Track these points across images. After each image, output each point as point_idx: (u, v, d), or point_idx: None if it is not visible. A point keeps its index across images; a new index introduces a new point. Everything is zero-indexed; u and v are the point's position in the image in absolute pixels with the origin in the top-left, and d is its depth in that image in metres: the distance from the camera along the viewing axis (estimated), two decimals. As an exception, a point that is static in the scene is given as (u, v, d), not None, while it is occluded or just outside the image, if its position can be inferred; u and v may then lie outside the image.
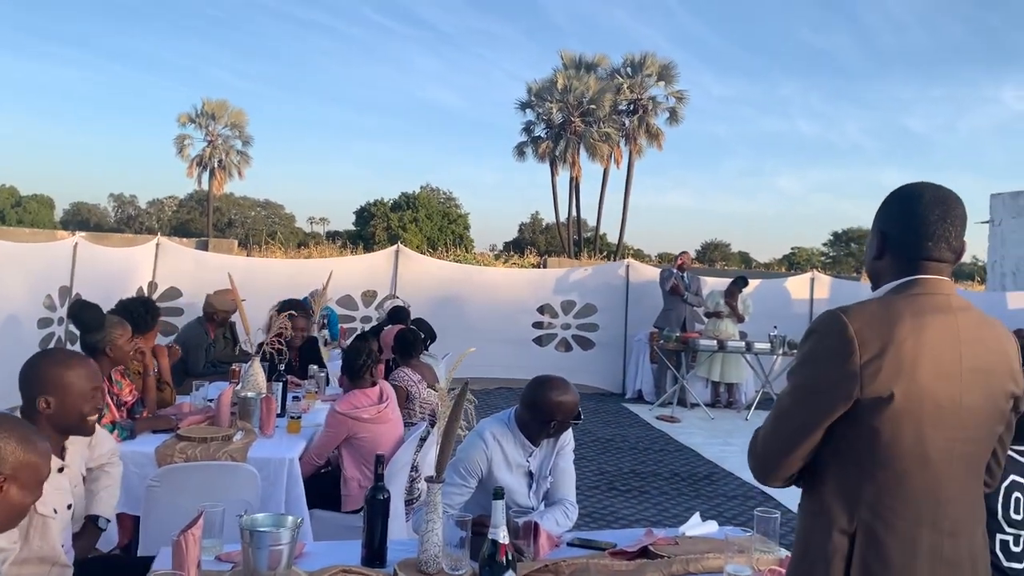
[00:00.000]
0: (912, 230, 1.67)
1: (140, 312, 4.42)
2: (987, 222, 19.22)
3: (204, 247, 15.74)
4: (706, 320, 10.21)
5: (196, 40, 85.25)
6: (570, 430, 3.03)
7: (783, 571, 2.35)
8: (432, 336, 6.53)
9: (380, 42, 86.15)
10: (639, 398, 10.33)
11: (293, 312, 5.43)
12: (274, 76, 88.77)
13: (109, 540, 3.32)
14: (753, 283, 11.04)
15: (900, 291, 1.68)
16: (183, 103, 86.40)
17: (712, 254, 55.56)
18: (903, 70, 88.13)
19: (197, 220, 50.45)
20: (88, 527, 2.80)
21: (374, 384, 4.12)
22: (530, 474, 2.95)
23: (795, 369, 1.70)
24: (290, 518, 2.26)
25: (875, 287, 1.77)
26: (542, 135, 35.40)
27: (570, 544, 2.64)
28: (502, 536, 2.11)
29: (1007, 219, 18.59)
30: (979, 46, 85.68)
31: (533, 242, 45.82)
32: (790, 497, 6.00)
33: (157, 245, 9.59)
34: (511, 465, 2.90)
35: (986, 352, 1.67)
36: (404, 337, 5.20)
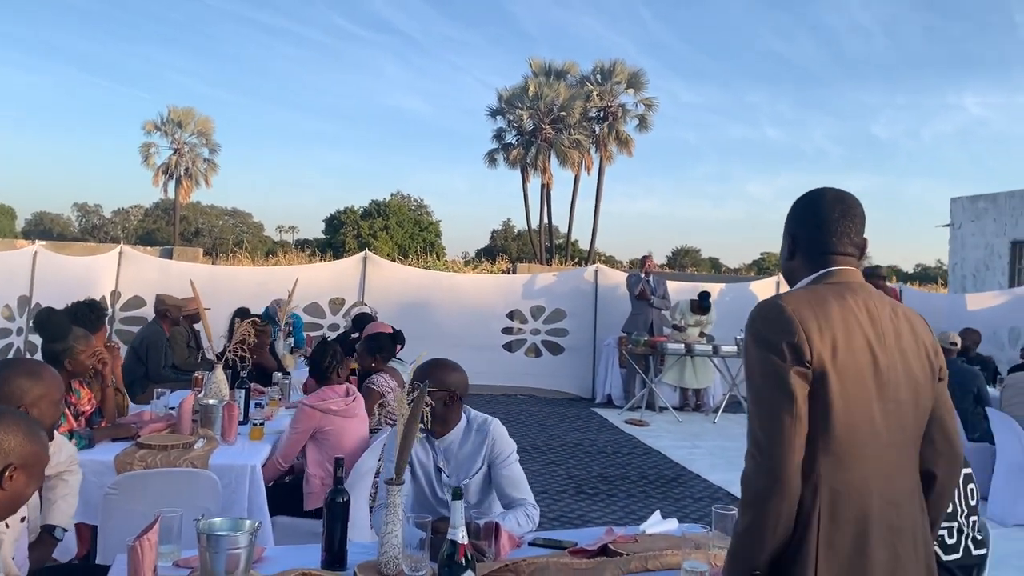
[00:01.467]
0: (817, 229, 1.83)
1: (85, 312, 4.45)
2: (947, 225, 19.59)
3: (168, 255, 15.56)
4: (672, 330, 10.23)
5: (161, 47, 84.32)
6: (504, 436, 3.03)
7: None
8: (400, 341, 6.52)
9: (348, 49, 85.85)
10: (608, 402, 10.37)
11: (256, 318, 5.39)
12: (241, 83, 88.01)
13: (67, 550, 3.27)
14: (719, 287, 11.15)
15: (818, 281, 1.81)
16: (148, 111, 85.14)
17: (682, 260, 56.02)
18: (868, 78, 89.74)
19: (163, 229, 49.85)
20: (44, 537, 2.75)
21: (340, 383, 4.19)
22: (438, 469, 2.99)
23: (752, 356, 1.72)
24: (247, 522, 2.24)
25: (791, 286, 1.90)
26: (513, 142, 35.49)
27: (531, 544, 2.65)
28: (461, 536, 2.11)
29: (966, 222, 18.96)
30: (941, 54, 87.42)
31: (505, 249, 45.87)
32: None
33: (120, 253, 9.49)
34: (424, 448, 2.98)
35: (906, 329, 1.80)
36: (378, 337, 5.21)
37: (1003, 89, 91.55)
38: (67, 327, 3.67)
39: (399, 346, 6.21)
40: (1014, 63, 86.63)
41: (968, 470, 2.75)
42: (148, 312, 9.14)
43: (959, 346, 6.78)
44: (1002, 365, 9.38)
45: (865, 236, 1.85)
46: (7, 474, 1.88)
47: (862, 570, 1.67)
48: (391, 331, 5.33)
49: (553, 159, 34.58)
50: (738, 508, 1.72)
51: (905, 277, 40.61)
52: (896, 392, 1.74)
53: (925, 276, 43.65)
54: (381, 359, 4.96)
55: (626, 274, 10.95)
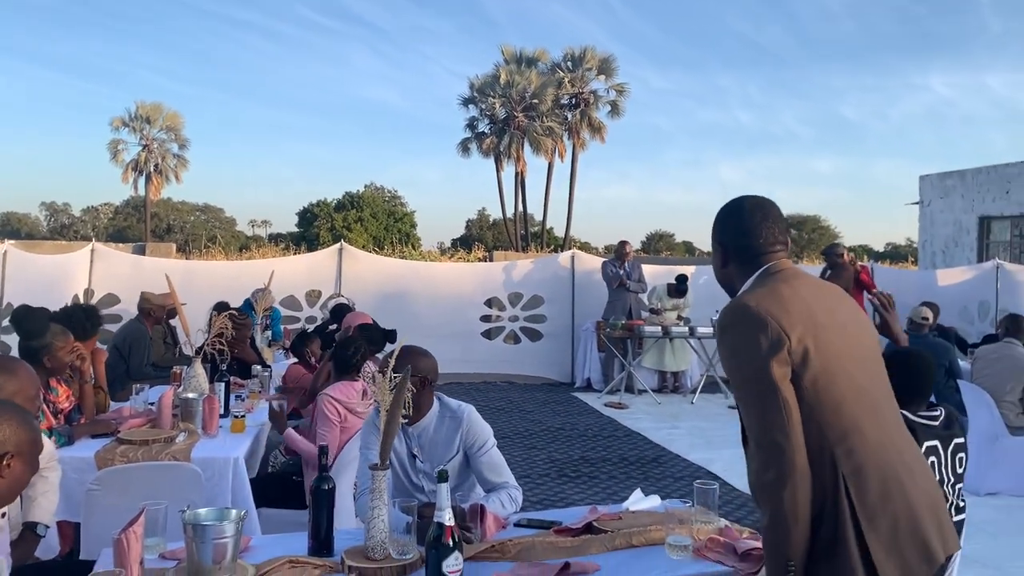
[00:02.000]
0: (744, 236, 1.98)
1: (80, 319, 4.38)
2: (917, 203, 19.85)
3: (141, 252, 15.39)
4: (649, 314, 10.29)
5: (127, 42, 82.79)
6: (479, 423, 3.04)
7: (721, 539, 2.43)
8: (392, 340, 6.49)
9: (317, 41, 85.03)
10: (588, 387, 10.42)
11: (234, 312, 5.36)
12: (210, 78, 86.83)
13: (50, 548, 3.24)
14: (693, 269, 11.24)
15: (763, 277, 1.92)
16: (116, 107, 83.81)
17: (657, 244, 56.25)
18: (835, 60, 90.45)
19: (134, 227, 49.19)
20: (26, 534, 2.75)
21: (358, 380, 4.15)
22: (412, 456, 3.01)
23: (733, 365, 1.82)
24: (234, 511, 2.25)
25: (730, 290, 2.02)
26: (486, 131, 35.40)
27: (516, 525, 2.68)
28: (447, 518, 2.14)
29: (935, 199, 19.22)
30: (906, 35, 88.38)
31: (481, 238, 45.75)
32: (732, 473, 6.15)
33: (92, 251, 9.37)
34: (398, 435, 2.96)
35: (847, 305, 1.96)
36: (370, 328, 5.21)
37: (968, 69, 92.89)
38: (45, 324, 3.63)
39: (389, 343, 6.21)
40: (978, 42, 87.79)
41: (961, 439, 2.78)
42: (122, 309, 9.05)
43: (930, 320, 6.88)
44: (972, 338, 9.54)
45: (788, 230, 2.01)
46: (4, 462, 1.92)
47: (920, 536, 1.75)
48: (372, 321, 5.33)
49: (526, 147, 34.55)
50: (759, 508, 1.79)
51: (876, 256, 41.05)
52: (863, 350, 1.88)
53: (896, 254, 44.22)
54: (369, 351, 4.97)
55: (602, 260, 10.98)
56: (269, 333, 7.65)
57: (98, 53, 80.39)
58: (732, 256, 2.00)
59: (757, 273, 1.94)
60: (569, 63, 35.57)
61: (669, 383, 10.40)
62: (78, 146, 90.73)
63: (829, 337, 1.80)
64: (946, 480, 2.73)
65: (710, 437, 7.62)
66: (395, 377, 2.47)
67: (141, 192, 38.54)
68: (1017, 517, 5.34)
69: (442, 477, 2.17)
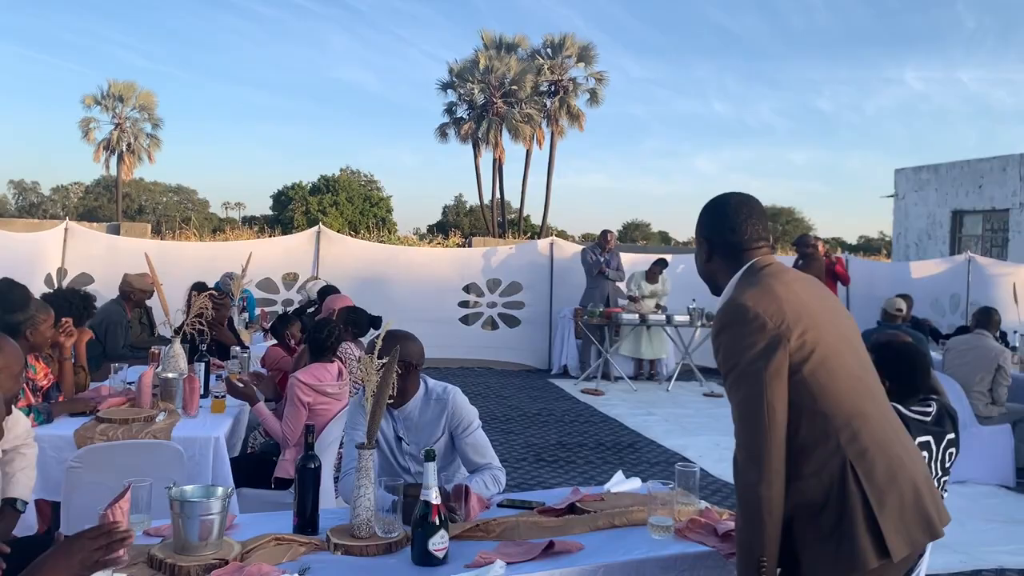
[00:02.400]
0: (731, 232, 2.01)
1: (79, 305, 4.33)
2: (892, 196, 20.10)
3: (115, 232, 15.19)
4: (627, 302, 10.35)
5: (99, 19, 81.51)
6: (464, 405, 3.06)
7: (702, 520, 2.46)
8: (377, 326, 6.47)
9: (294, 21, 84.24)
10: (564, 373, 10.47)
11: (214, 292, 5.32)
12: (184, 57, 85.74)
13: (28, 527, 3.22)
14: (668, 257, 11.32)
15: (750, 273, 1.95)
16: (88, 85, 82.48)
17: (633, 233, 56.48)
18: (812, 52, 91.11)
19: (105, 207, 48.48)
20: (6, 511, 2.72)
21: (333, 362, 4.15)
22: (398, 438, 3.04)
23: (728, 365, 1.86)
24: (220, 488, 2.25)
25: (713, 285, 2.06)
26: (464, 116, 35.26)
27: (500, 505, 2.70)
28: (434, 497, 2.16)
29: (910, 193, 19.47)
30: (882, 29, 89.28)
31: (457, 224, 45.65)
32: (707, 459, 6.22)
33: (65, 230, 9.23)
34: (384, 418, 2.94)
35: (831, 295, 2.03)
36: (357, 311, 5.20)
37: (941, 64, 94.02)
38: (26, 298, 3.57)
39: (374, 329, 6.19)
40: (951, 39, 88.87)
41: (953, 435, 2.81)
42: (95, 289, 8.92)
43: (904, 312, 6.99)
44: (943, 330, 9.70)
45: (769, 226, 2.06)
46: None
47: (923, 510, 1.81)
48: (353, 304, 5.32)
49: (505, 133, 34.46)
50: (736, 506, 1.85)
51: (849, 248, 41.58)
52: (851, 339, 1.93)
53: (868, 247, 44.78)
54: (351, 333, 4.96)
55: (581, 247, 11.01)
56: (246, 315, 7.61)
57: (69, 29, 78.94)
58: (717, 251, 2.04)
59: (743, 269, 1.97)
60: (549, 50, 35.49)
61: (645, 370, 10.48)
62: (48, 124, 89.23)
63: (825, 328, 1.85)
64: (934, 474, 2.75)
65: (685, 424, 7.70)
66: (381, 361, 2.47)
67: (113, 171, 38.01)
68: (984, 504, 5.47)
69: (430, 456, 2.18)
